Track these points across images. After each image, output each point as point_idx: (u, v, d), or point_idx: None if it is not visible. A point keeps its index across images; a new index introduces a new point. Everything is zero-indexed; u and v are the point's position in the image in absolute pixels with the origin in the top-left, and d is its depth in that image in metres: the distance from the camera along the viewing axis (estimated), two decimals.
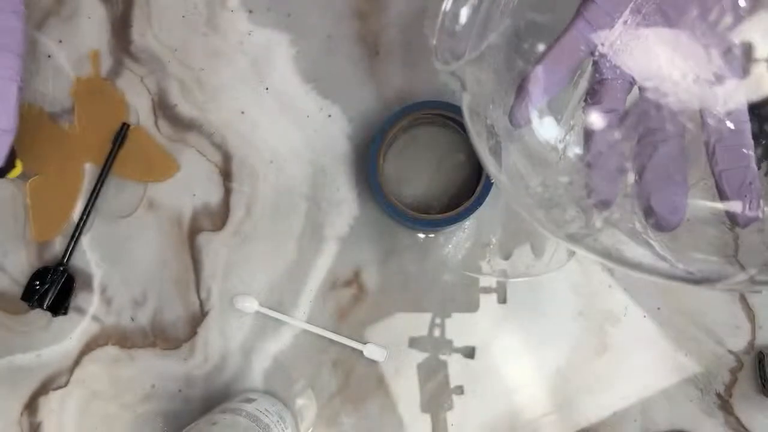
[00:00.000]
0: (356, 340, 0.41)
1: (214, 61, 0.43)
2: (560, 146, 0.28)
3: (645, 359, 0.40)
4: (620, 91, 0.27)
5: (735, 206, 0.25)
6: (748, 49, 0.25)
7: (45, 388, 0.42)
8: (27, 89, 0.44)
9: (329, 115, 0.43)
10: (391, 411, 0.41)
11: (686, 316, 0.40)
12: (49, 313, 0.42)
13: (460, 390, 0.41)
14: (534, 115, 0.27)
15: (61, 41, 0.44)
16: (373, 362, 0.41)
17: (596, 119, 0.27)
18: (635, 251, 0.27)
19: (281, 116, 0.43)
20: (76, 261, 0.42)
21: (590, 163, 0.27)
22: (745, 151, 0.25)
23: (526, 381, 0.41)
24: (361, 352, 0.41)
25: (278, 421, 0.37)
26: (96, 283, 0.42)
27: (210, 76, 0.43)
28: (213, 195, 0.43)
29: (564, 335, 0.41)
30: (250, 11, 0.44)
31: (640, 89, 0.27)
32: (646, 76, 0.26)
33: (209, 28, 0.44)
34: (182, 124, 0.43)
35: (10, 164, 0.39)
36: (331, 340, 0.41)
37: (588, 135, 0.27)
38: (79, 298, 0.42)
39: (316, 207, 0.42)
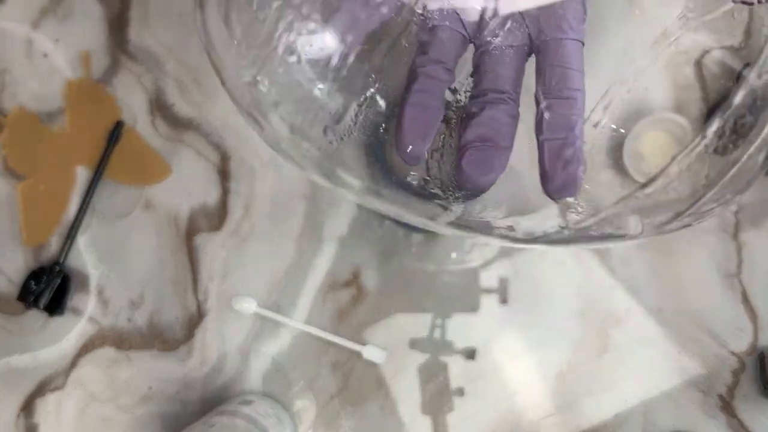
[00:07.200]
0: (356, 342, 0.41)
1: None
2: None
3: (647, 361, 0.40)
4: (447, 41, 0.25)
5: (551, 176, 0.24)
6: None
7: (41, 389, 0.42)
8: (23, 89, 0.43)
9: None
10: (391, 413, 0.41)
11: (688, 317, 0.40)
12: (45, 315, 0.41)
13: (460, 392, 0.41)
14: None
15: (57, 40, 0.44)
16: (373, 364, 0.41)
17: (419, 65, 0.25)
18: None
19: None
20: (73, 262, 0.42)
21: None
22: (572, 122, 0.23)
23: (527, 382, 0.40)
24: (361, 353, 0.40)
25: (276, 423, 0.37)
26: (93, 284, 0.42)
27: (208, 74, 0.43)
28: (211, 195, 0.42)
29: (565, 336, 0.41)
30: None
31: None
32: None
33: None
34: (180, 124, 0.43)
35: None
36: (330, 342, 0.41)
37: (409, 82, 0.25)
38: (75, 299, 0.42)
39: (314, 207, 0.42)
